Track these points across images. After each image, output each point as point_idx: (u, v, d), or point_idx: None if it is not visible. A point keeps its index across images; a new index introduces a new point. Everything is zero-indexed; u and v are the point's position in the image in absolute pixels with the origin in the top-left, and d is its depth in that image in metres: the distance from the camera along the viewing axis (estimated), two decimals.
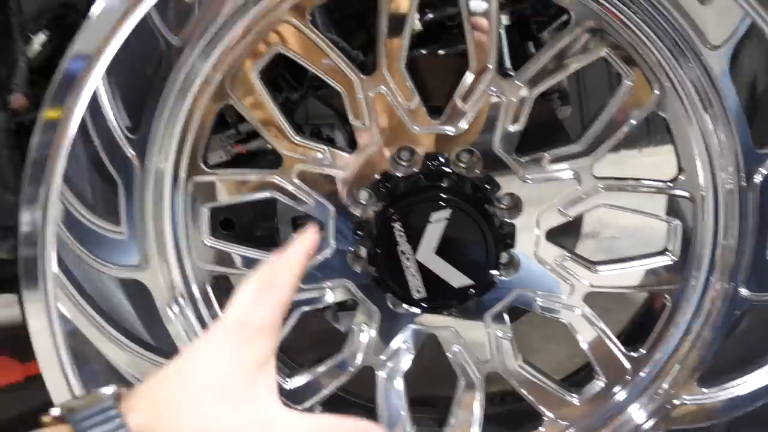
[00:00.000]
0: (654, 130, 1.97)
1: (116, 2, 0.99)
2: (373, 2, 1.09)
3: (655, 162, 2.08)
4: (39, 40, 1.24)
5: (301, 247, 0.77)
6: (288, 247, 0.77)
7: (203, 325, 1.22)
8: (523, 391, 1.24)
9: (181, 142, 1.14)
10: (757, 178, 1.09)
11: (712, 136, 1.08)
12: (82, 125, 1.07)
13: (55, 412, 0.66)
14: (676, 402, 1.20)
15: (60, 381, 1.09)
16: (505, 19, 1.22)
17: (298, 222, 1.27)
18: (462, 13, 1.07)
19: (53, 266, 1.06)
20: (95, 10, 1.00)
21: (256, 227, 1.34)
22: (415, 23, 1.18)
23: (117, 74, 1.07)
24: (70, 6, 1.25)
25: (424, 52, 1.28)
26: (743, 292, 1.14)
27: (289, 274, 0.75)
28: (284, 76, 1.32)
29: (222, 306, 1.24)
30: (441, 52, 1.30)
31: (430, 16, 1.29)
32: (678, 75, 1.06)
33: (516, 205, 1.16)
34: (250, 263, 1.21)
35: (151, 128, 1.13)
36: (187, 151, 1.15)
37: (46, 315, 1.06)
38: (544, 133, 1.22)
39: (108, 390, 0.66)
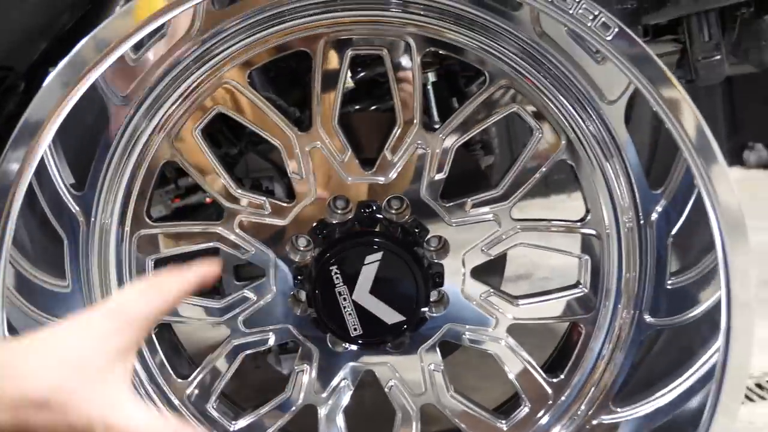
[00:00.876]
0: None
1: (64, 74, 1.03)
2: (307, 61, 1.17)
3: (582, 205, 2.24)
4: None
5: (199, 271, 0.78)
6: (187, 268, 0.79)
7: (148, 372, 1.25)
8: (456, 421, 1.31)
9: (126, 197, 1.18)
10: (654, 216, 1.21)
11: (613, 181, 1.21)
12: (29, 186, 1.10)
13: None
14: (594, 422, 1.30)
15: None
16: (432, 76, 1.33)
17: (239, 269, 1.32)
18: (388, 73, 1.17)
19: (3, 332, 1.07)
20: (46, 82, 1.04)
21: None
22: (347, 81, 1.27)
23: (63, 133, 1.11)
24: (7, 68, 1.28)
25: (357, 107, 1.37)
26: (648, 318, 1.25)
27: (177, 287, 0.76)
28: (223, 133, 1.38)
29: (165, 354, 1.27)
30: (373, 107, 1.40)
31: (363, 73, 1.39)
32: (581, 128, 1.18)
33: (443, 246, 1.24)
34: (192, 312, 1.25)
35: (97, 185, 1.17)
36: (131, 205, 1.19)
37: None
38: (467, 180, 1.32)
39: None
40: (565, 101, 1.17)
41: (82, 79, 1.02)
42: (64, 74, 1.02)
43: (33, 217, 1.15)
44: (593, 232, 1.24)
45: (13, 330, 1.11)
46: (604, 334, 1.27)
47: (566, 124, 1.19)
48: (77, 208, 1.16)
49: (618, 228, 1.23)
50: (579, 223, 1.25)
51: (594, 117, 1.18)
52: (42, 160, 1.09)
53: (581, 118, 1.18)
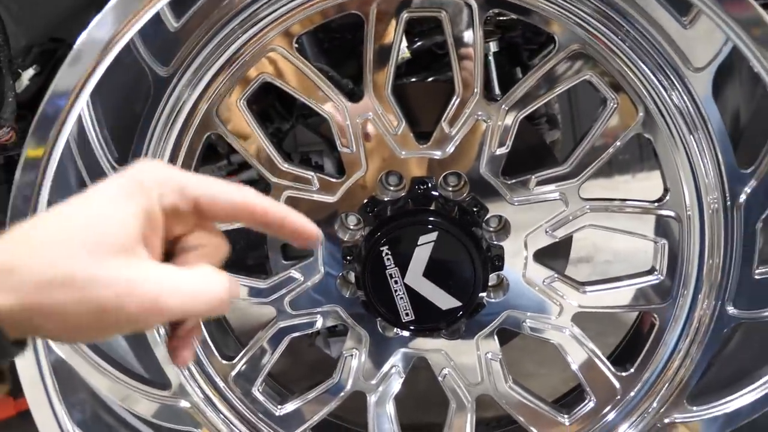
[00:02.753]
0: (647, 156, 1.95)
1: (99, 35, 0.94)
2: (362, 32, 1.06)
3: (647, 186, 2.07)
4: (28, 74, 1.21)
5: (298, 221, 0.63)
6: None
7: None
8: (514, 413, 1.19)
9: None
10: (742, 198, 1.06)
11: (697, 158, 1.06)
12: (71, 158, 1.03)
13: None
14: (667, 420, 1.16)
15: (47, 414, 1.04)
16: (493, 46, 1.20)
17: (287, 248, 1.23)
18: (447, 41, 1.04)
19: None
20: (76, 46, 0.95)
21: (248, 257, 1.31)
22: (403, 51, 1.16)
23: (104, 106, 1.04)
24: (59, 40, 1.22)
25: (413, 79, 1.25)
26: (731, 310, 1.11)
27: (263, 201, 0.61)
28: (275, 107, 1.29)
29: (210, 333, 1.19)
30: (430, 79, 1.27)
31: (419, 43, 1.27)
32: (662, 97, 1.03)
33: (504, 227, 1.12)
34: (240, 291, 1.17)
35: (139, 159, 1.09)
36: None
37: (32, 348, 1.01)
38: (531, 156, 1.19)
39: None
40: (645, 68, 1.02)
41: (117, 37, 0.93)
42: (98, 31, 0.93)
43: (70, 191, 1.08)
44: (672, 213, 1.09)
45: None
46: (681, 325, 1.13)
47: (645, 93, 1.04)
48: None
49: (701, 210, 1.08)
50: (656, 204, 1.10)
51: (677, 86, 1.03)
52: (84, 134, 1.02)
53: (663, 87, 1.03)
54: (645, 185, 2.20)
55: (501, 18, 1.20)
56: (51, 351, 1.04)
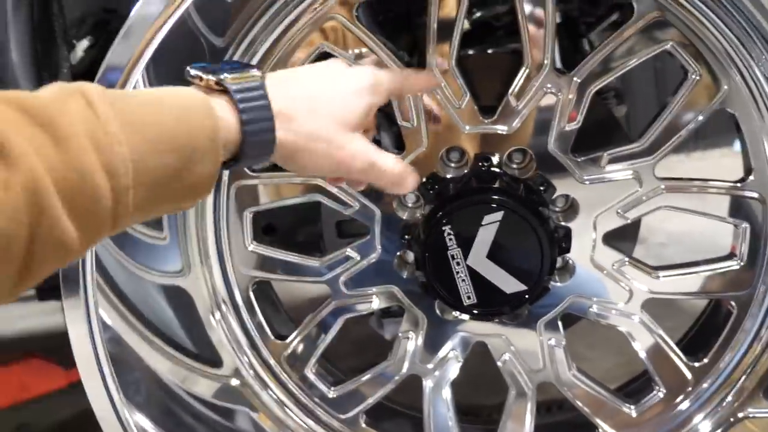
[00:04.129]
0: (703, 134, 1.84)
1: (152, 8, 0.89)
2: (418, 4, 0.99)
3: (703, 167, 1.96)
4: (82, 46, 1.18)
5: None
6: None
7: (245, 332, 1.14)
8: (578, 402, 1.13)
9: None
10: None
11: None
12: None
13: (209, 77, 0.72)
14: (741, 415, 1.08)
15: (100, 388, 1.01)
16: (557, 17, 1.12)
17: (342, 225, 1.17)
18: (518, 8, 0.97)
19: (92, 273, 0.97)
20: (128, 21, 0.90)
21: (299, 232, 1.26)
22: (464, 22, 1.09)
23: (159, 78, 1.00)
24: (112, 11, 1.18)
25: (471, 52, 1.18)
26: None
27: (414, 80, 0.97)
28: None
29: (264, 312, 1.15)
30: (489, 51, 1.20)
31: (479, 14, 1.20)
32: (750, 69, 0.94)
33: (572, 207, 1.05)
34: (291, 268, 1.12)
35: None
36: None
37: (86, 322, 0.98)
38: (601, 132, 1.11)
39: (257, 72, 0.75)
40: (731, 35, 0.93)
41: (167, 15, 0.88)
42: (150, 5, 0.88)
43: None
44: (756, 195, 1.01)
45: (110, 279, 1.02)
46: (762, 315, 1.04)
47: (731, 64, 0.95)
48: None
49: None
50: (739, 185, 1.01)
51: (766, 56, 0.94)
52: None
53: (751, 57, 0.94)
54: (700, 165, 2.08)
55: None
56: (107, 328, 1.00)
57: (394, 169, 0.85)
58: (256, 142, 0.71)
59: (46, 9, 1.14)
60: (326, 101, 0.79)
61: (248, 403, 1.14)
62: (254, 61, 1.02)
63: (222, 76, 0.72)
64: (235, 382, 1.14)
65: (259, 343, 1.13)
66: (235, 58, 1.02)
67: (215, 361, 1.13)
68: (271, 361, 1.14)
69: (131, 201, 0.58)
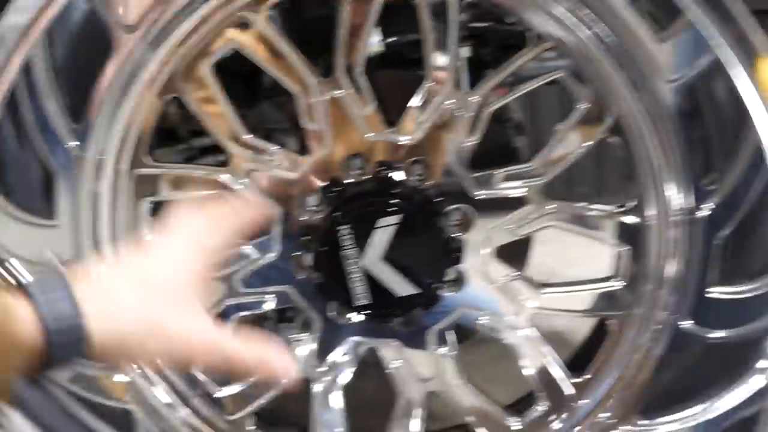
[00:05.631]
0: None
1: None
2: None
3: None
4: None
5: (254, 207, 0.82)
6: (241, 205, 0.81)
7: None
8: (465, 414, 1.13)
9: (125, 132, 1.03)
10: (700, 213, 1.02)
11: (662, 168, 1.02)
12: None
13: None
14: None
15: None
16: (466, 51, 1.17)
17: None
18: (420, 11, 0.99)
19: None
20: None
21: None
22: (376, 44, 1.12)
23: (59, 61, 0.97)
24: None
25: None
26: (686, 325, 1.06)
27: (241, 222, 0.75)
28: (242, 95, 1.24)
29: None
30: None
31: (394, 38, 1.23)
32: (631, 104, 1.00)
33: (466, 220, 1.07)
34: None
35: (95, 118, 1.02)
36: (130, 141, 1.04)
37: None
38: (499, 156, 1.15)
39: (64, 273, 0.67)
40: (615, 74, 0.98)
41: None
42: None
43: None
44: (636, 220, 1.05)
45: None
46: (636, 336, 1.08)
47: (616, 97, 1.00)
48: (74, 142, 1.02)
49: (665, 219, 1.03)
50: (621, 209, 1.06)
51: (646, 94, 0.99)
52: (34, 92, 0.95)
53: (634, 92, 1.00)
54: None
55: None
56: None
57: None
58: (61, 340, 0.59)
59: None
60: (149, 280, 0.67)
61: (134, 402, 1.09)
62: (161, 52, 1.01)
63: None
64: (120, 378, 1.10)
65: None
66: (141, 48, 1.00)
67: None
68: None
69: None
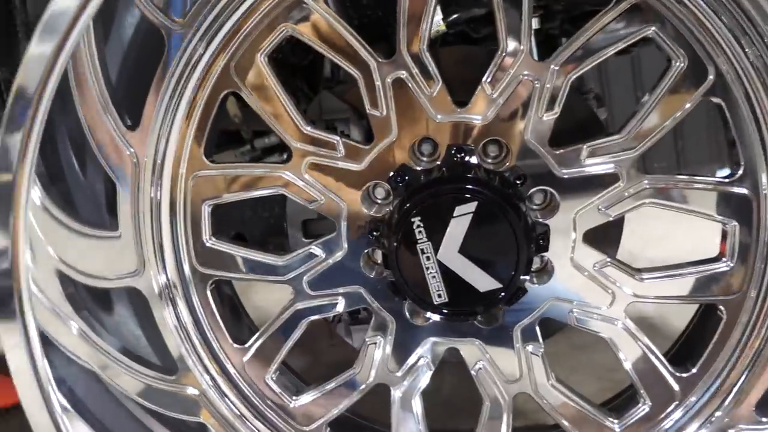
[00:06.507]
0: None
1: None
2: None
3: None
4: None
5: None
6: None
7: (201, 333, 1.04)
8: (555, 414, 1.03)
9: (182, 134, 0.98)
10: None
11: None
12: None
13: None
14: (732, 431, 0.99)
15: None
16: (534, 23, 1.06)
17: (308, 224, 1.09)
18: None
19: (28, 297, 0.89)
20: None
21: (269, 242, 1.18)
22: (439, 23, 1.03)
23: (112, 64, 0.93)
24: None
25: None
26: None
27: None
28: (301, 89, 1.17)
29: (222, 314, 1.05)
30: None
31: (456, 15, 1.13)
32: (738, 57, 0.87)
33: (550, 203, 0.97)
34: (253, 266, 1.02)
35: (150, 121, 0.97)
36: (188, 143, 0.98)
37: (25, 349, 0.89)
38: (582, 129, 1.04)
39: None
40: (719, 22, 0.87)
41: None
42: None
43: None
44: (746, 191, 0.93)
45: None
46: (751, 321, 0.95)
47: (718, 51, 0.88)
48: (131, 149, 0.97)
49: None
50: (727, 180, 0.94)
51: (755, 43, 0.87)
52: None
53: (738, 43, 0.87)
54: None
55: None
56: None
57: None
58: None
59: (7, 4, 1.08)
60: None
61: (201, 411, 1.03)
62: (213, 46, 0.95)
63: None
64: (189, 389, 1.04)
65: (216, 345, 1.03)
66: (193, 43, 0.94)
67: (168, 366, 1.04)
68: (229, 367, 1.04)
69: None
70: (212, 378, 1.05)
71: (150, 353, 1.06)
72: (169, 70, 0.95)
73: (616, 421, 1.03)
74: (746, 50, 0.87)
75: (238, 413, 1.05)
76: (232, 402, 1.05)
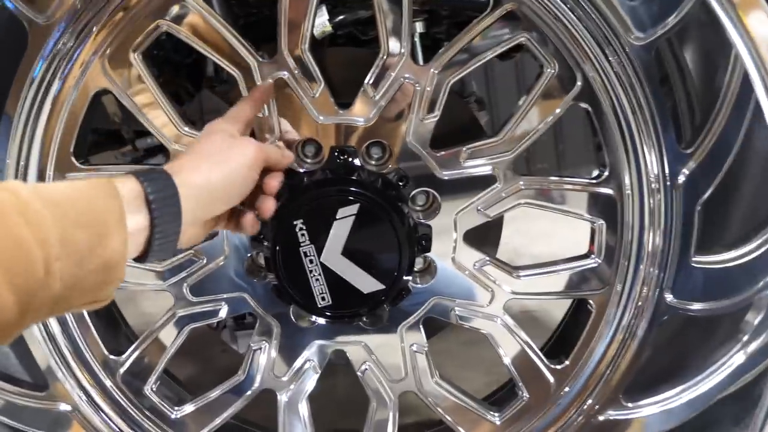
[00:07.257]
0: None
1: None
2: None
3: None
4: None
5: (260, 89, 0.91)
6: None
7: (74, 345, 0.97)
8: (440, 412, 1.05)
9: (47, 134, 0.91)
10: (681, 179, 0.95)
11: (637, 132, 0.94)
12: None
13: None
14: (601, 418, 1.04)
15: None
16: (419, 27, 1.07)
17: None
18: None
19: None
20: None
21: None
22: (325, 24, 1.02)
23: None
24: None
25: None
26: (669, 298, 1.00)
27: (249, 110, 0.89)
28: (185, 88, 1.13)
29: (96, 325, 0.99)
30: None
31: (342, 17, 1.13)
32: (602, 66, 0.92)
33: (432, 204, 0.98)
34: (130, 275, 0.97)
35: (12, 120, 0.90)
36: (55, 144, 0.92)
37: None
38: (462, 132, 1.06)
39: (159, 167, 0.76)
40: (585, 32, 0.91)
41: None
42: None
43: None
44: (611, 192, 0.98)
45: None
46: (618, 314, 1.01)
47: (584, 59, 0.93)
48: None
49: (641, 188, 0.96)
50: (594, 181, 0.99)
51: (618, 54, 0.92)
52: None
53: (603, 54, 0.92)
54: None
55: None
56: None
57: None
58: (163, 216, 0.71)
59: None
60: (225, 178, 0.79)
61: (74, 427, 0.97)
62: (84, 45, 0.89)
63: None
64: (61, 405, 0.98)
65: (89, 356, 0.97)
66: (62, 40, 0.88)
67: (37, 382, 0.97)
68: (104, 378, 0.99)
69: (59, 273, 0.62)
70: (85, 391, 0.99)
71: (20, 371, 0.99)
72: (32, 65, 0.89)
73: (497, 414, 1.06)
74: (610, 59, 0.92)
75: (116, 428, 1.00)
76: (107, 416, 1.00)
